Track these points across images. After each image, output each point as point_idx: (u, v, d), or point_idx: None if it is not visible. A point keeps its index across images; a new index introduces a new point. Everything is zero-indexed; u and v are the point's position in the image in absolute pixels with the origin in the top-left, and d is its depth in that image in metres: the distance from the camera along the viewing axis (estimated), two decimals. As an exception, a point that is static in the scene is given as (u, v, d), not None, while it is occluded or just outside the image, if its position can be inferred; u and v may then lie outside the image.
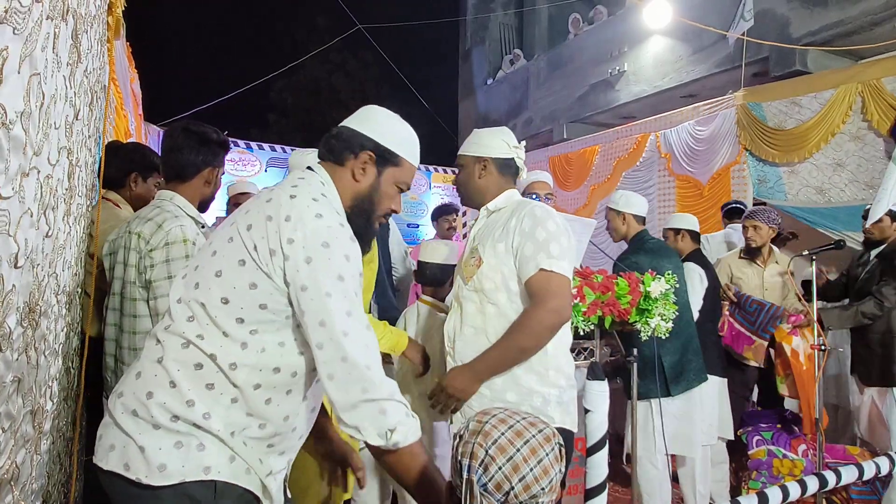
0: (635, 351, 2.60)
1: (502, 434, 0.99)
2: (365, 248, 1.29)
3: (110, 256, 1.81)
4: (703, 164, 5.90)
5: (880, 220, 3.31)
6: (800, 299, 3.32)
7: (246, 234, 1.18)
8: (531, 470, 0.96)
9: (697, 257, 3.40)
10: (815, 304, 3.18)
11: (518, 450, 0.97)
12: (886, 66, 4.44)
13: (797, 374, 3.35)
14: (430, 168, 8.77)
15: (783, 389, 3.40)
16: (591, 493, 1.88)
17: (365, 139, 1.32)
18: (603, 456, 1.88)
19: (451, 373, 1.78)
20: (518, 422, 1.01)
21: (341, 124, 1.38)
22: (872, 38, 4.82)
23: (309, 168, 1.34)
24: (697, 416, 2.90)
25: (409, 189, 1.40)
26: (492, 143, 1.88)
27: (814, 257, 3.20)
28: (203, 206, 1.91)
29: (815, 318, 3.02)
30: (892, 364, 3.16)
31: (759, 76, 5.73)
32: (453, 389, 1.74)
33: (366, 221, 1.34)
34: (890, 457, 2.77)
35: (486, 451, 0.97)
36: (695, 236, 3.47)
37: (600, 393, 1.87)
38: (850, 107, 4.58)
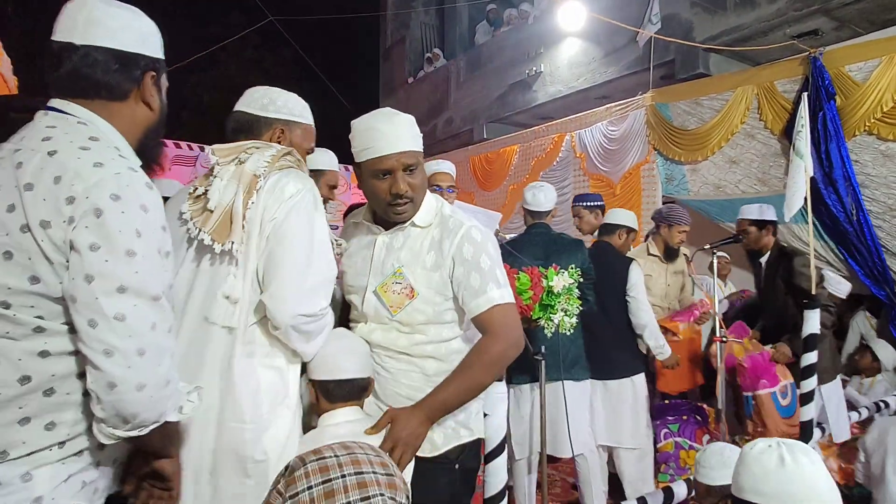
0: (543, 348, 2.55)
1: None
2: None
3: None
4: (615, 163, 6.04)
5: (748, 232, 3.39)
6: (713, 315, 3.31)
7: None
8: None
9: (593, 246, 3.34)
10: (717, 296, 3.26)
11: None
12: (780, 69, 4.67)
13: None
14: (351, 168, 8.51)
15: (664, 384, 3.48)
16: (491, 501, 1.78)
17: (139, 58, 1.15)
18: (502, 462, 1.79)
19: (400, 419, 1.44)
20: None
21: (64, 42, 1.08)
22: (766, 43, 5.07)
23: (50, 111, 1.09)
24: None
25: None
26: (417, 131, 1.61)
27: (715, 251, 3.29)
28: None
29: (716, 310, 3.09)
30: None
31: (666, 79, 5.92)
32: (409, 437, 1.42)
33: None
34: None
35: None
36: (605, 228, 3.42)
37: (499, 396, 1.77)
38: (748, 108, 4.80)
